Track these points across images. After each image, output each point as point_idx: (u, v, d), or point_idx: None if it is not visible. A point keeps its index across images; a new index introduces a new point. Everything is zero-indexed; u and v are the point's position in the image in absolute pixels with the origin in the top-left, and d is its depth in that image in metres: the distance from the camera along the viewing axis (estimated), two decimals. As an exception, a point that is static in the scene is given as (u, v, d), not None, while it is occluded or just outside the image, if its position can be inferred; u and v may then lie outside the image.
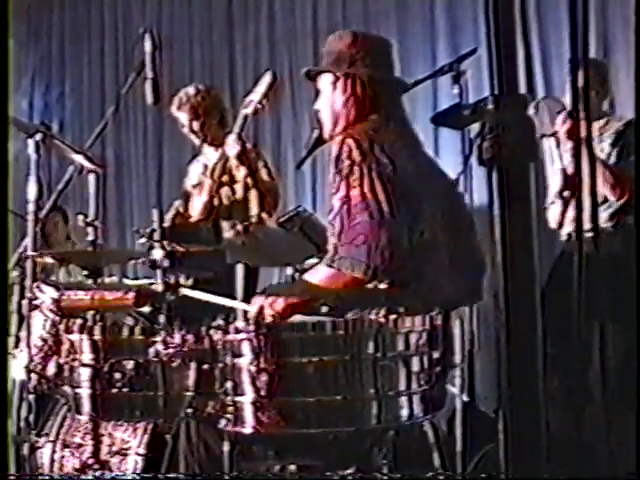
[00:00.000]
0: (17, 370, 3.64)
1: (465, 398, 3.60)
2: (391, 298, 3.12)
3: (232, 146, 4.68)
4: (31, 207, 3.73)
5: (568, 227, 4.44)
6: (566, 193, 4.41)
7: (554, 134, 4.36)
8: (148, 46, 3.79)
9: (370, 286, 3.17)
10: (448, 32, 5.91)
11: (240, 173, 4.80)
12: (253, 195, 4.83)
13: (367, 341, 2.75)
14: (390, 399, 2.79)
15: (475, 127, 3.71)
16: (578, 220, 2.17)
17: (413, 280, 3.21)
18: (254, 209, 4.79)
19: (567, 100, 4.27)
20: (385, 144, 3.29)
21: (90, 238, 3.67)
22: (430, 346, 2.90)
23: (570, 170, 4.29)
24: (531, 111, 4.18)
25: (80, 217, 3.75)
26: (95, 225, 3.69)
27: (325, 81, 3.54)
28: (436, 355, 2.92)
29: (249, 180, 4.80)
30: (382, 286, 3.16)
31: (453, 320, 3.34)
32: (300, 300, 3.19)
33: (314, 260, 3.76)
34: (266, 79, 4.52)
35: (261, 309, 3.16)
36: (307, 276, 3.33)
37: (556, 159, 4.49)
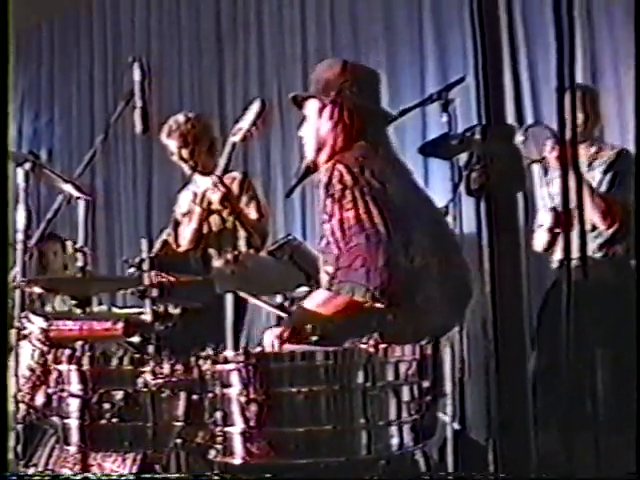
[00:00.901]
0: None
1: (456, 426, 3.60)
2: (384, 322, 3.13)
3: (213, 190, 4.68)
4: (20, 236, 3.73)
5: (559, 254, 4.45)
6: (556, 227, 4.43)
7: (542, 160, 4.38)
8: (137, 75, 3.80)
9: (366, 305, 3.18)
10: (437, 59, 5.94)
11: (227, 216, 4.82)
12: (240, 234, 4.83)
13: (357, 371, 2.75)
14: (380, 429, 2.78)
15: (464, 156, 3.73)
16: (566, 248, 2.18)
17: (406, 304, 3.22)
18: (242, 247, 4.79)
19: (555, 126, 4.30)
20: (375, 170, 3.31)
21: (79, 264, 3.67)
22: (420, 375, 2.89)
23: (558, 202, 4.31)
24: (520, 138, 4.21)
25: (69, 243, 3.76)
26: (84, 251, 3.69)
27: (311, 107, 3.56)
28: (426, 384, 2.92)
29: (236, 221, 4.82)
30: (378, 306, 3.17)
31: (443, 348, 3.34)
32: (292, 327, 3.21)
33: (304, 288, 3.77)
34: (255, 107, 4.54)
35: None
36: (306, 302, 3.35)
37: (544, 186, 4.51)
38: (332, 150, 3.47)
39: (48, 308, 5.64)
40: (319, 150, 3.50)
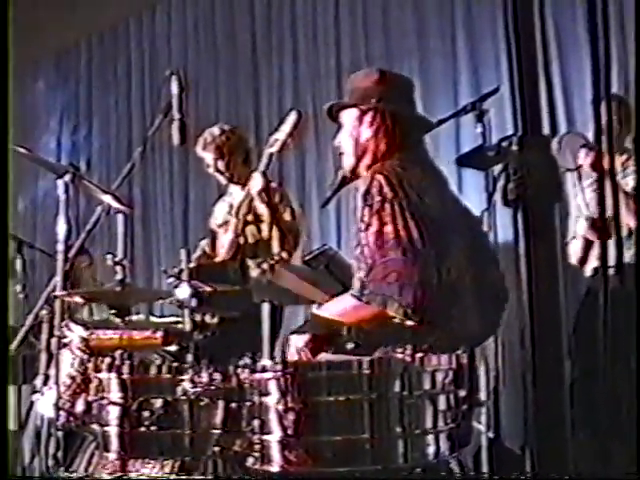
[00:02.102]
0: (46, 407, 3.65)
1: (491, 435, 3.58)
2: (417, 335, 3.11)
3: (255, 182, 4.68)
4: (60, 247, 3.74)
5: (593, 263, 4.41)
6: (591, 236, 4.37)
7: (577, 168, 4.35)
8: (175, 88, 3.81)
9: (396, 321, 3.16)
10: (470, 71, 5.91)
11: (264, 211, 4.81)
12: (274, 234, 4.83)
13: (394, 380, 2.74)
14: (417, 437, 2.77)
15: (498, 166, 3.71)
16: (603, 256, 2.16)
17: (440, 318, 3.19)
18: (275, 248, 4.79)
19: (590, 135, 4.27)
20: (413, 182, 3.29)
21: (119, 277, 3.67)
22: (456, 384, 2.88)
23: (594, 210, 4.26)
24: (554, 147, 4.18)
25: (109, 257, 3.76)
26: (123, 264, 3.69)
27: (349, 116, 3.55)
28: (462, 393, 2.90)
29: (270, 218, 4.81)
30: (409, 323, 3.15)
31: (479, 358, 3.32)
32: (320, 335, 3.20)
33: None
34: (291, 118, 4.53)
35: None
36: (325, 307, 3.33)
37: (579, 194, 4.48)
38: (374, 157, 3.46)
39: (79, 316, 5.67)
40: (360, 158, 3.49)
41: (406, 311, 3.12)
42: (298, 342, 3.26)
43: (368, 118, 3.49)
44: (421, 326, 3.15)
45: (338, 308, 3.29)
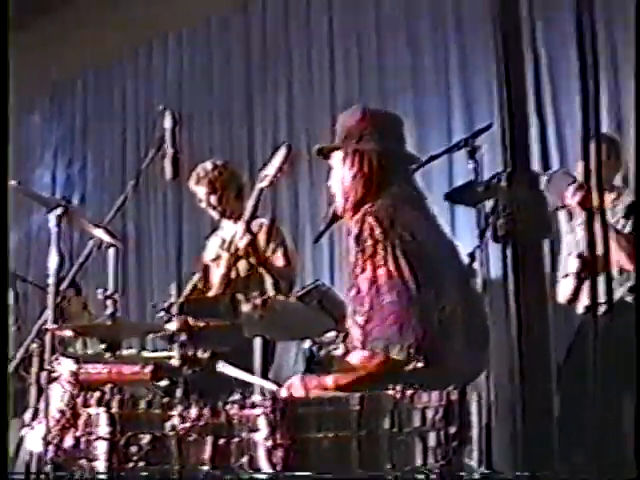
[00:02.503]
0: (35, 442, 3.62)
1: (484, 470, 3.55)
2: (410, 374, 3.10)
3: (240, 237, 4.68)
4: (52, 280, 3.73)
5: (585, 301, 4.40)
6: (583, 275, 4.37)
7: (566, 207, 4.36)
8: (168, 122, 3.81)
9: (409, 367, 3.15)
10: (463, 107, 5.94)
11: (252, 261, 4.80)
12: (267, 280, 4.82)
13: (383, 417, 2.72)
14: (407, 474, 2.75)
15: (490, 202, 3.71)
16: (592, 293, 2.16)
17: (436, 357, 3.18)
18: (269, 292, 4.78)
19: (579, 172, 4.28)
20: (404, 220, 3.29)
21: (109, 311, 3.66)
22: (447, 421, 2.86)
23: (584, 248, 4.27)
24: (543, 185, 4.19)
25: (99, 291, 3.76)
26: (114, 298, 3.68)
27: (336, 158, 3.55)
28: (453, 430, 2.89)
29: (262, 268, 4.81)
30: (419, 365, 3.14)
31: (470, 394, 3.30)
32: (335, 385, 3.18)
33: (332, 333, 3.74)
34: (281, 152, 4.54)
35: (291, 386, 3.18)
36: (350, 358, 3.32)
37: (570, 232, 4.48)
38: (354, 200, 3.45)
39: (71, 350, 5.65)
40: (345, 200, 3.49)
41: (409, 352, 3.11)
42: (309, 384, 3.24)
43: (349, 160, 3.48)
44: (425, 367, 3.14)
45: (355, 360, 3.27)
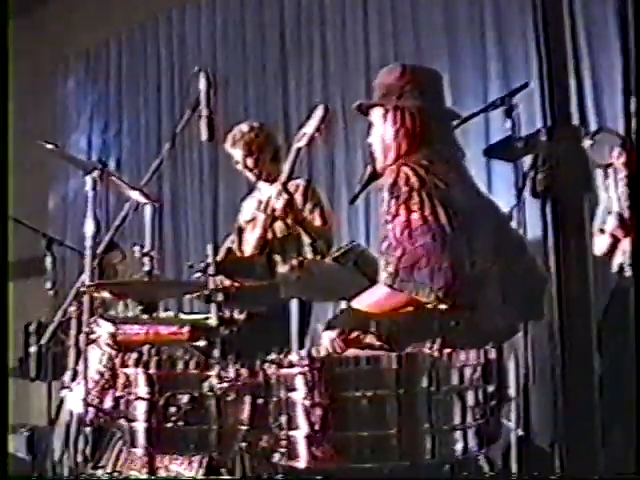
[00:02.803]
0: (75, 403, 3.65)
1: (520, 432, 3.54)
2: (445, 329, 3.08)
3: (277, 198, 4.67)
4: (89, 243, 3.74)
5: (619, 258, 4.36)
6: (619, 233, 4.32)
7: (609, 165, 4.30)
8: (203, 84, 3.80)
9: (430, 306, 3.14)
10: (499, 66, 5.87)
11: (288, 222, 4.79)
12: (305, 241, 4.81)
13: (421, 375, 2.72)
14: (445, 433, 2.75)
15: (528, 160, 3.68)
16: (635, 254, 2.13)
17: (468, 310, 3.17)
18: (307, 254, 4.77)
19: (620, 130, 4.22)
20: (439, 174, 3.27)
21: (147, 268, 3.67)
22: (485, 380, 2.85)
23: (624, 206, 4.22)
24: (587, 142, 4.13)
25: (136, 248, 3.76)
26: (151, 255, 3.69)
27: (376, 115, 3.54)
28: (491, 389, 2.88)
29: (299, 228, 4.79)
30: (442, 306, 3.13)
31: (507, 353, 3.29)
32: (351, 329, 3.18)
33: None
34: (319, 112, 4.52)
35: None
36: (358, 299, 3.31)
37: (610, 188, 4.43)
38: (397, 155, 3.44)
39: (112, 313, 5.67)
40: (386, 156, 3.48)
41: (437, 294, 3.10)
42: (330, 336, 3.24)
43: (390, 116, 3.48)
44: (451, 313, 3.12)
45: (372, 299, 3.28)
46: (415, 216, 3.17)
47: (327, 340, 3.24)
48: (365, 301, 3.31)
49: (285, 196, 4.64)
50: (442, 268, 3.09)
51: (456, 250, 3.13)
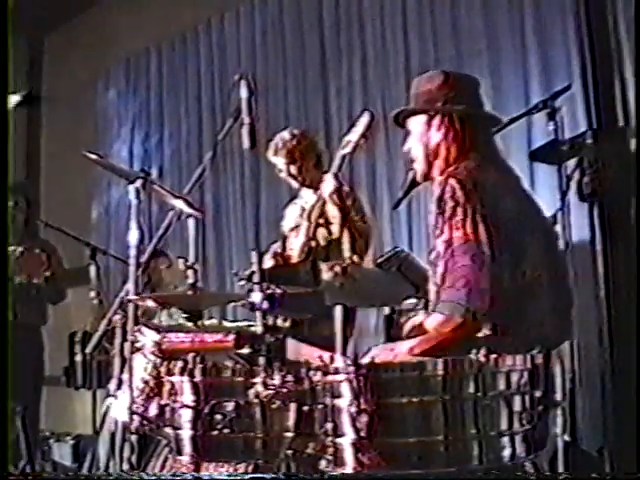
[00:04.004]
0: (120, 411, 3.67)
1: (567, 438, 3.53)
2: (491, 339, 3.08)
3: (327, 184, 4.68)
4: (133, 252, 3.75)
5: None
6: None
7: None
8: (244, 92, 3.81)
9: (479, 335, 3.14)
10: (541, 69, 5.84)
11: (335, 213, 4.79)
12: (345, 237, 4.81)
13: (468, 381, 2.71)
14: (492, 439, 2.73)
15: (571, 163, 3.66)
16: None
17: (516, 321, 3.16)
18: (346, 251, 4.78)
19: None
20: (488, 183, 3.26)
21: (190, 281, 3.68)
22: (532, 385, 2.84)
23: None
24: (633, 144, 4.10)
25: (180, 261, 3.78)
26: (195, 268, 3.70)
27: (416, 122, 3.53)
28: (538, 394, 2.86)
29: (342, 220, 4.79)
30: (485, 332, 3.13)
31: (554, 358, 3.27)
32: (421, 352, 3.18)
33: (412, 300, 3.73)
34: (364, 119, 4.53)
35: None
36: (428, 321, 3.31)
37: None
38: (446, 161, 3.44)
39: (155, 321, 5.71)
40: (432, 163, 3.48)
41: (474, 315, 3.09)
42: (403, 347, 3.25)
43: (436, 122, 3.48)
44: (495, 335, 3.12)
45: (431, 326, 3.27)
46: (457, 234, 3.17)
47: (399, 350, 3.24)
48: (429, 325, 3.30)
49: (335, 183, 4.64)
50: (480, 290, 3.08)
51: (496, 271, 3.12)
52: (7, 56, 4.03)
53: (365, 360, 3.04)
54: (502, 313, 3.12)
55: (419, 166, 3.53)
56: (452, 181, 3.26)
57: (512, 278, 3.16)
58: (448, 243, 3.20)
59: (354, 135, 4.54)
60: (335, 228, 4.85)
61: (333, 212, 4.79)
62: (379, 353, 3.25)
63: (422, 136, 3.51)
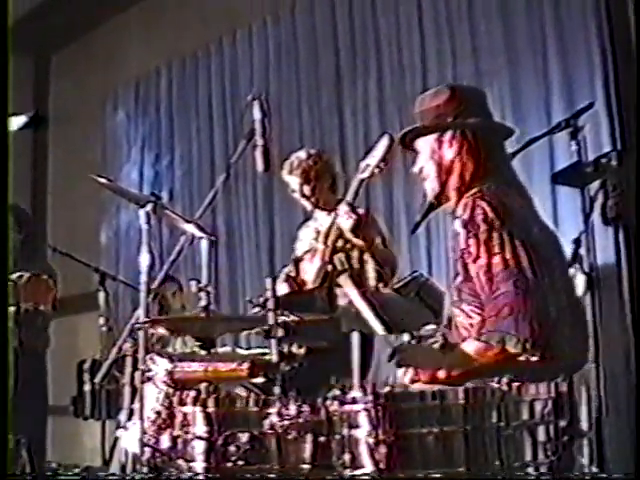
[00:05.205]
0: (131, 443, 3.66)
1: (594, 469, 3.50)
2: (516, 366, 3.07)
3: (346, 218, 4.67)
4: (143, 278, 3.76)
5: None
6: None
7: None
8: (257, 113, 3.82)
9: (522, 359, 3.12)
10: (562, 86, 5.84)
11: (357, 243, 4.79)
12: (370, 267, 4.81)
13: (490, 410, 2.70)
14: (516, 470, 2.72)
15: (595, 185, 3.65)
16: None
17: (555, 348, 3.15)
18: (371, 281, 4.77)
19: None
20: (514, 206, 3.26)
21: (203, 303, 3.69)
22: (556, 414, 2.83)
23: None
24: None
25: (193, 283, 3.79)
26: (208, 290, 3.71)
27: (426, 140, 3.52)
28: (563, 423, 2.85)
29: (366, 253, 4.79)
30: (534, 359, 3.11)
31: (578, 386, 3.26)
32: (460, 373, 3.17)
33: (431, 326, 3.72)
34: (383, 142, 4.53)
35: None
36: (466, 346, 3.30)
37: None
38: (461, 177, 3.42)
39: (169, 349, 5.71)
40: (446, 181, 3.46)
41: (525, 345, 3.08)
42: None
43: (447, 138, 3.47)
44: (543, 361, 3.10)
45: (470, 350, 3.25)
46: (496, 260, 3.16)
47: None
48: (468, 350, 3.28)
49: (354, 216, 4.64)
50: (526, 317, 3.06)
51: (541, 296, 3.10)
52: (7, 76, 4.05)
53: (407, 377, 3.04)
54: (548, 341, 3.11)
55: (431, 185, 3.52)
56: (482, 203, 3.25)
57: (553, 303, 3.15)
58: (487, 268, 3.19)
59: (373, 159, 4.54)
60: (354, 254, 4.85)
61: (355, 241, 4.78)
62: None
63: (434, 154, 3.50)
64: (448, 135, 3.47)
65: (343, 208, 4.69)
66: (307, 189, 5.08)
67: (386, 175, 6.32)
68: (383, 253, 4.86)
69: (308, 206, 5.16)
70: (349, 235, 4.72)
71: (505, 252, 3.14)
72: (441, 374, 3.21)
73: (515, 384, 2.73)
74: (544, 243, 3.26)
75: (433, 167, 3.51)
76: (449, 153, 3.46)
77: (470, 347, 3.23)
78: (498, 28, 6.27)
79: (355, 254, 4.85)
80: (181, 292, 6.10)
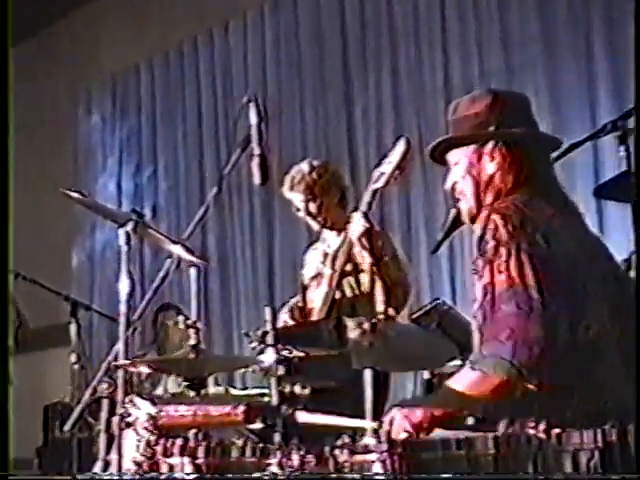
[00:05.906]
0: (108, 500, 3.68)
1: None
2: (550, 404, 3.06)
3: (355, 225, 4.68)
4: (123, 308, 3.77)
5: None
6: None
7: None
8: (253, 117, 3.82)
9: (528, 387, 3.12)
10: (609, 83, 5.86)
11: (365, 260, 4.79)
12: (378, 287, 4.80)
13: (525, 461, 2.70)
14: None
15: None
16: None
17: (579, 384, 3.14)
18: (379, 305, 4.76)
19: None
20: (539, 220, 3.26)
21: (192, 342, 3.70)
22: (604, 467, 2.82)
23: None
24: None
25: (180, 319, 3.80)
26: (197, 327, 3.72)
27: (461, 152, 3.52)
28: (615, 478, 2.85)
29: (374, 269, 4.79)
30: (530, 387, 3.11)
31: (632, 433, 3.25)
32: (444, 412, 3.16)
33: (457, 362, 3.72)
34: (399, 147, 4.54)
35: (392, 423, 3.15)
36: (451, 382, 3.30)
37: None
38: (497, 194, 3.42)
39: (159, 390, 5.72)
40: (482, 198, 3.46)
41: (520, 371, 3.08)
42: (414, 418, 3.22)
43: (488, 150, 3.46)
44: (546, 392, 3.10)
45: (459, 386, 3.25)
46: (500, 278, 3.16)
47: (397, 424, 3.22)
48: (460, 384, 3.28)
49: (365, 224, 4.64)
50: (527, 341, 3.07)
51: (547, 319, 3.10)
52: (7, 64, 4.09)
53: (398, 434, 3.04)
54: (557, 371, 3.11)
55: (467, 205, 3.51)
56: (495, 217, 3.26)
57: (572, 331, 3.15)
58: (490, 288, 3.20)
59: (387, 167, 4.55)
60: (364, 277, 4.84)
61: (363, 258, 4.78)
62: (401, 416, 3.22)
63: (471, 168, 3.50)
64: (489, 147, 3.47)
65: (355, 215, 4.69)
66: (313, 207, 5.05)
67: (403, 186, 6.34)
68: (393, 273, 4.85)
69: (315, 226, 5.14)
70: (356, 244, 4.72)
71: (510, 270, 3.15)
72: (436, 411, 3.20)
73: (554, 431, 2.73)
74: (577, 262, 3.25)
75: (470, 183, 3.50)
76: (490, 167, 3.46)
77: (461, 382, 3.22)
78: (532, 15, 6.29)
79: (366, 277, 4.84)
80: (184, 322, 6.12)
